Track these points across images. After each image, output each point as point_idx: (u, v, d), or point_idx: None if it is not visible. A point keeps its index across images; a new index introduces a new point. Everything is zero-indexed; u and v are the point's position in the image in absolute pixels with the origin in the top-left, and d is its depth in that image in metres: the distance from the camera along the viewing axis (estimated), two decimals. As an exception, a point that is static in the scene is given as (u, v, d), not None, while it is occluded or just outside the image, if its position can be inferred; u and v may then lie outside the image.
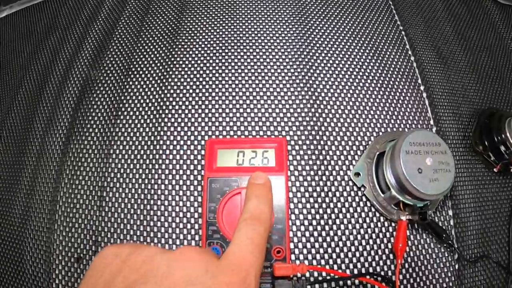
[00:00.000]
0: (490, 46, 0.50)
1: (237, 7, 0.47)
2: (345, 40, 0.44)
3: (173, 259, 0.20)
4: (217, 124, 0.39)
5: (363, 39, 0.45)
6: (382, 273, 0.34)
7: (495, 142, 0.40)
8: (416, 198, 0.34)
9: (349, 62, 0.43)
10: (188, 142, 0.38)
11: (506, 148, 0.40)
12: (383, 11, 0.48)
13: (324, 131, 0.38)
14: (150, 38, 0.46)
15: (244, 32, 0.45)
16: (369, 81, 0.42)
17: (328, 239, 0.34)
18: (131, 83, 0.43)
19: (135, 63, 0.44)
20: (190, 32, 0.45)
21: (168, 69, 0.43)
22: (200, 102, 0.40)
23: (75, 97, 0.44)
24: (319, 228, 0.35)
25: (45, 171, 0.40)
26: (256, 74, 0.42)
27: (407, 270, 0.35)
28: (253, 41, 0.44)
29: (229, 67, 0.42)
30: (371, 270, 0.34)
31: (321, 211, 0.35)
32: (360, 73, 0.42)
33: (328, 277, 0.33)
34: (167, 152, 0.38)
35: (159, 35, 0.46)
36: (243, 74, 0.42)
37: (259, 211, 0.24)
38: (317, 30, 0.45)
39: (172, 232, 0.35)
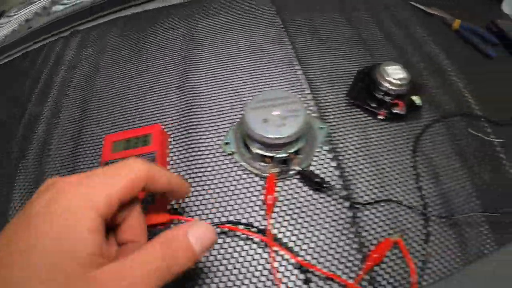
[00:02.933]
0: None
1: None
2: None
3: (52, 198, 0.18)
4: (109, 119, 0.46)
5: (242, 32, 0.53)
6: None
7: (371, 90, 0.42)
8: (268, 146, 0.36)
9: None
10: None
11: (383, 93, 0.41)
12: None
13: (199, 115, 0.44)
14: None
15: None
16: (246, 71, 0.48)
17: (201, 197, 0.37)
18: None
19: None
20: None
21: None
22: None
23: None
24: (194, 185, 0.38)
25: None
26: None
27: (293, 225, 0.35)
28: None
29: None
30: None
31: (196, 178, 0.38)
32: (236, 63, 0.49)
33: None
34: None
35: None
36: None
37: None
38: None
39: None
